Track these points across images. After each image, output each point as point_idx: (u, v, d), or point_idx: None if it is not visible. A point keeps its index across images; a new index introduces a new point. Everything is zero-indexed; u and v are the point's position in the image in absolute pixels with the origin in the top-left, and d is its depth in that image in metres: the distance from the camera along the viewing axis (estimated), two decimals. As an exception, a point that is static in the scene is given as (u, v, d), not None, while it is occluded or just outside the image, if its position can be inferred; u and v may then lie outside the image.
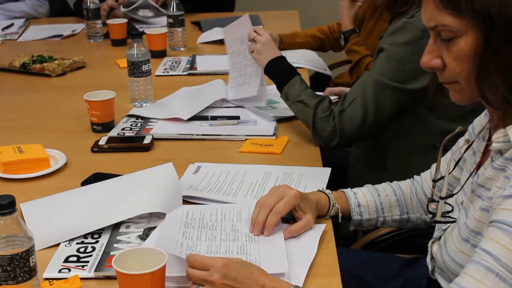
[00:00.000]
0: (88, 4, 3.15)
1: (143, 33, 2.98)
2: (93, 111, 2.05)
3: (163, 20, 3.18)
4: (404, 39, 1.84)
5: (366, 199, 1.59)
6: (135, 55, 2.22)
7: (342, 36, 2.78)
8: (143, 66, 2.23)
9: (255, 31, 2.09)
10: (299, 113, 1.94)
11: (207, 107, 2.19)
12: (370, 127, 1.87)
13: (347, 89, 2.48)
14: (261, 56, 2.05)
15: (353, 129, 1.86)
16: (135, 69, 2.23)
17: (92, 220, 1.48)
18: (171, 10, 2.95)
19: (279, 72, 2.01)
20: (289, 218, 1.49)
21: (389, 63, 1.86)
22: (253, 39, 2.07)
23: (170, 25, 2.95)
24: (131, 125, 2.10)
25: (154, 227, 1.49)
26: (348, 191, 1.60)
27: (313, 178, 1.72)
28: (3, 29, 3.45)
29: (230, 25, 2.26)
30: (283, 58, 2.04)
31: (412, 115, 1.91)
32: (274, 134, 2.00)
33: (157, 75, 2.60)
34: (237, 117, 2.11)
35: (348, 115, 1.86)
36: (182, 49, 2.97)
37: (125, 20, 3.12)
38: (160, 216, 1.53)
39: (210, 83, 2.36)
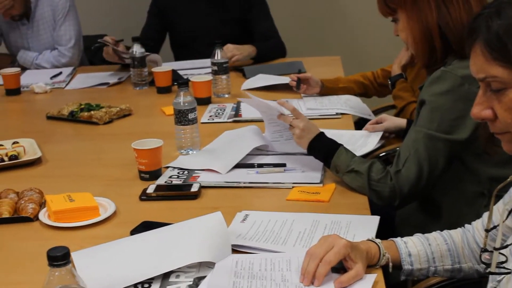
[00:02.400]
0: (134, 52, 3.21)
1: (188, 81, 3.01)
2: (141, 159, 2.07)
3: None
4: (444, 88, 1.84)
5: (416, 249, 1.57)
6: (181, 104, 2.25)
7: (389, 81, 2.78)
8: (189, 114, 2.25)
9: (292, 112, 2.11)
10: (353, 182, 1.94)
11: (253, 154, 2.20)
12: (426, 182, 1.86)
13: (387, 117, 2.48)
14: (303, 141, 2.06)
15: (411, 187, 1.86)
16: (182, 117, 2.25)
17: (143, 269, 1.48)
18: (216, 57, 2.99)
19: (322, 148, 2.03)
20: (339, 268, 1.48)
21: (433, 114, 1.85)
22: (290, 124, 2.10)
23: (214, 73, 2.99)
24: (178, 173, 2.12)
25: (204, 277, 1.49)
26: (398, 240, 1.59)
27: (362, 227, 1.71)
28: (51, 78, 3.53)
29: (258, 100, 2.26)
30: (322, 135, 2.05)
31: (459, 163, 1.90)
32: (321, 182, 2.00)
33: (202, 122, 2.63)
34: (284, 165, 2.11)
35: (404, 175, 1.86)
36: (227, 96, 3.00)
37: (170, 68, 3.17)
38: (210, 265, 1.53)
39: (246, 129, 2.38)
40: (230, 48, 3.37)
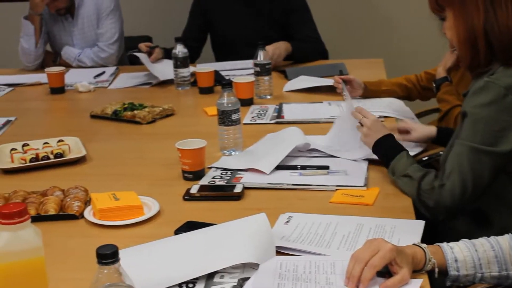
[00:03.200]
0: (177, 53, 3.23)
1: (231, 81, 3.03)
2: (184, 159, 2.08)
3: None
4: (487, 99, 1.81)
5: (463, 254, 1.55)
6: (225, 104, 2.26)
7: (434, 84, 2.76)
8: (233, 115, 2.26)
9: (360, 112, 2.16)
10: (404, 186, 1.93)
11: (295, 156, 2.20)
12: (471, 196, 1.84)
13: (414, 127, 2.43)
14: (368, 139, 2.10)
15: (455, 201, 1.83)
16: (225, 118, 2.26)
17: (188, 269, 1.49)
18: (258, 59, 2.99)
19: (385, 149, 2.05)
20: (385, 272, 1.46)
21: (476, 126, 1.82)
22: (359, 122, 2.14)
23: (257, 74, 2.99)
24: (221, 173, 2.12)
25: (248, 278, 1.49)
26: (444, 245, 1.57)
27: (407, 231, 1.69)
28: (95, 77, 3.57)
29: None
30: (390, 136, 2.07)
31: (504, 175, 1.87)
32: (365, 185, 1.99)
33: (244, 123, 2.63)
34: (327, 167, 2.10)
35: (448, 189, 1.83)
36: (269, 97, 3.00)
37: (213, 69, 3.18)
38: (254, 266, 1.53)
39: (287, 130, 2.38)
40: (270, 49, 3.38)
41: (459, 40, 1.90)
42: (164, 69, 3.41)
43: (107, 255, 1.16)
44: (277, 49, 3.44)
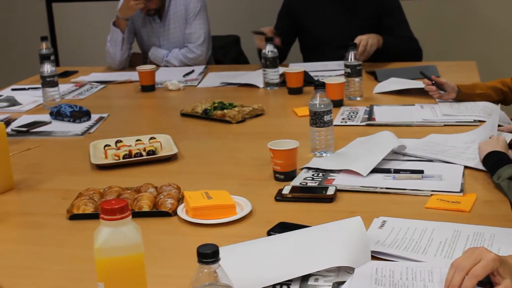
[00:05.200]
0: (266, 53, 3.23)
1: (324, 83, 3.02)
2: (276, 160, 2.07)
3: None
4: None
5: None
6: (317, 105, 2.24)
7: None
8: (325, 116, 2.24)
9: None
10: (510, 190, 1.87)
11: (388, 159, 2.16)
12: None
13: None
14: (488, 147, 2.08)
15: None
16: (317, 119, 2.24)
17: (283, 270, 1.48)
18: (349, 60, 2.96)
19: (497, 159, 2.00)
20: (486, 282, 1.42)
21: None
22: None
23: (347, 75, 2.96)
24: (312, 175, 2.11)
25: (343, 282, 1.47)
26: (549, 256, 1.51)
27: (507, 240, 1.63)
28: (184, 76, 3.61)
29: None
30: (506, 154, 2.03)
31: None
32: (461, 191, 1.93)
33: (335, 125, 2.59)
34: (421, 171, 2.06)
35: None
36: (359, 99, 2.97)
37: (302, 69, 3.17)
38: (349, 270, 1.51)
39: (380, 134, 2.34)
40: (363, 38, 3.37)
41: None
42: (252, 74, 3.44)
43: (208, 255, 1.16)
44: (370, 38, 3.41)
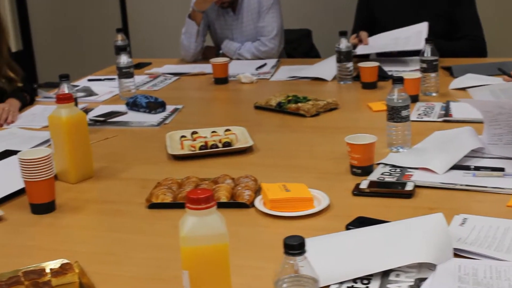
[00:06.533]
0: (340, 46, 3.21)
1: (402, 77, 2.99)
2: (354, 154, 2.06)
3: None
4: None
5: None
6: (395, 100, 2.22)
7: None
8: (402, 111, 2.21)
9: None
10: None
11: (468, 156, 2.12)
12: None
13: None
14: None
15: None
16: (395, 114, 2.22)
17: (364, 264, 1.47)
18: (426, 55, 2.92)
19: None
20: None
21: None
22: None
23: (423, 70, 2.92)
24: (390, 170, 2.09)
25: (425, 278, 1.45)
26: None
27: None
28: (256, 69, 3.62)
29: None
30: None
31: None
32: (546, 190, 1.89)
33: (411, 120, 2.57)
34: (502, 169, 2.02)
35: None
36: (434, 94, 2.93)
37: (377, 64, 3.14)
38: (430, 267, 1.49)
39: (461, 130, 2.29)
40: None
41: None
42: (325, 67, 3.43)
43: (295, 246, 1.17)
44: None
